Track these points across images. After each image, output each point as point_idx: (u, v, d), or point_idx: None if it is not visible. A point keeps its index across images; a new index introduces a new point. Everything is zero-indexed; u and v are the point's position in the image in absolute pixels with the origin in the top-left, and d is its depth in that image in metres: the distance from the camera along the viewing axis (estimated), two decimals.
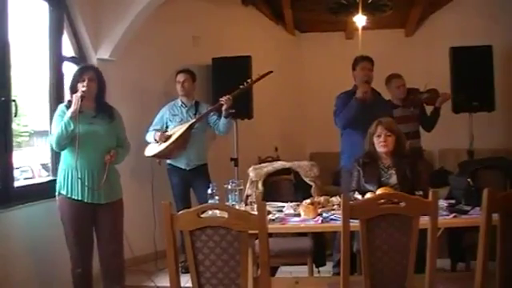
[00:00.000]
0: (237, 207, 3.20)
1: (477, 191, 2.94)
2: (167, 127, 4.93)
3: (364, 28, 5.71)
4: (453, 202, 3.33)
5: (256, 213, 2.48)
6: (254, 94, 5.70)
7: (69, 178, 3.53)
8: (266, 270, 2.50)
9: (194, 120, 4.83)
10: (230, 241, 2.41)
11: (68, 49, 4.49)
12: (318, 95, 6.56)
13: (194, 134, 4.84)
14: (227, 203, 3.30)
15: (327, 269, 4.27)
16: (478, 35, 6.05)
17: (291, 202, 3.45)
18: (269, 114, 6.50)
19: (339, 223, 2.56)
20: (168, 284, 2.52)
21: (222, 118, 4.86)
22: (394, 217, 2.48)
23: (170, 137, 4.77)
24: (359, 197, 3.37)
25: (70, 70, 4.50)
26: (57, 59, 4.28)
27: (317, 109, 6.56)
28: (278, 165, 4.28)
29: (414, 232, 2.45)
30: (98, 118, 3.64)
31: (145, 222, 4.83)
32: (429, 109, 5.24)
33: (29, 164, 5.31)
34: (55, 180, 4.17)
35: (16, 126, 4.03)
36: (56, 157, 4.23)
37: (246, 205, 3.48)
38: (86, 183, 3.51)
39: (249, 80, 4.84)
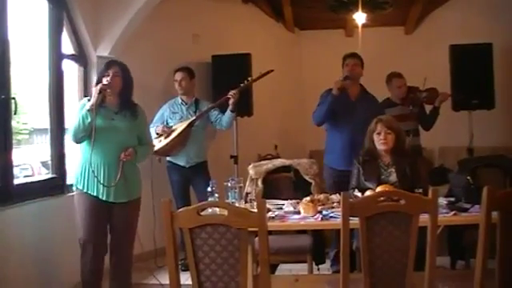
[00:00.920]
0: (236, 205, 3.20)
1: (476, 189, 2.94)
2: (167, 125, 4.93)
3: (364, 26, 5.70)
4: (452, 199, 3.34)
5: (256, 210, 2.48)
6: (253, 92, 5.70)
7: (85, 172, 3.51)
8: (265, 267, 2.50)
9: (194, 117, 4.83)
10: (229, 238, 2.41)
11: (68, 46, 4.49)
12: (318, 93, 6.51)
13: (194, 132, 4.84)
14: (227, 201, 3.30)
15: (327, 266, 4.28)
16: (478, 33, 6.05)
17: (291, 199, 3.46)
18: (268, 112, 6.50)
19: (339, 221, 2.56)
20: (168, 281, 2.52)
21: (228, 112, 4.86)
22: (393, 214, 2.48)
23: (171, 132, 4.78)
24: (359, 194, 3.37)
25: (69, 67, 4.51)
26: (56, 57, 4.27)
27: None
28: (278, 162, 4.28)
29: (414, 230, 2.45)
30: (120, 114, 3.60)
31: (144, 220, 4.81)
32: (428, 108, 5.23)
33: (28, 162, 5.32)
34: (55, 178, 4.20)
35: (16, 123, 4.03)
36: (57, 155, 4.24)
37: (246, 202, 3.48)
38: (101, 179, 3.47)
39: (249, 78, 4.84)
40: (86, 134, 3.46)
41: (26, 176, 4.92)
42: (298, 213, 3.20)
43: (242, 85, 4.76)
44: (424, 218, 2.48)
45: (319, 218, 3.08)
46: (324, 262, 4.08)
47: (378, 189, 3.24)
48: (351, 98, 4.52)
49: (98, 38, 4.69)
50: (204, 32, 6.06)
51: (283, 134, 6.89)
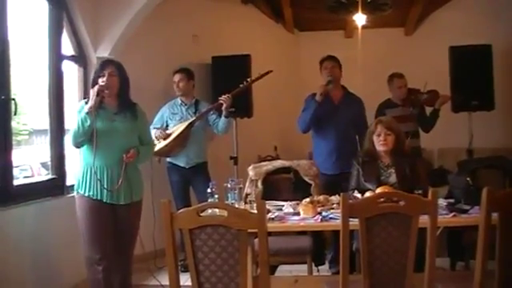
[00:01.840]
0: (236, 206, 3.20)
1: (476, 190, 2.94)
2: (167, 126, 4.94)
3: (364, 27, 5.71)
4: (452, 201, 3.33)
5: (255, 211, 2.48)
6: (253, 93, 5.70)
7: (87, 176, 3.43)
8: (265, 268, 2.50)
9: (193, 118, 4.83)
10: (229, 239, 2.41)
11: (67, 47, 4.49)
12: None
13: (194, 133, 4.84)
14: (227, 202, 3.30)
15: (326, 268, 4.28)
16: (478, 34, 6.05)
17: (291, 200, 3.45)
18: (268, 113, 6.50)
19: (338, 222, 2.56)
20: (167, 282, 2.52)
21: (222, 118, 4.86)
22: (393, 215, 2.48)
23: (169, 135, 4.78)
24: (359, 195, 3.37)
25: (69, 68, 4.51)
26: (56, 58, 4.27)
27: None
28: (278, 163, 4.28)
29: (414, 231, 2.45)
30: (119, 115, 3.51)
31: (144, 220, 4.81)
32: (428, 110, 5.23)
33: (28, 162, 5.32)
34: (55, 178, 4.20)
35: (15, 124, 4.02)
36: (56, 155, 4.24)
37: (246, 203, 3.48)
38: (104, 183, 3.40)
39: (248, 79, 4.84)
40: (86, 137, 3.38)
41: (25, 177, 4.92)
42: (298, 214, 3.20)
43: (241, 86, 4.76)
44: (424, 220, 2.48)
45: (319, 220, 3.07)
46: (324, 264, 4.09)
47: (378, 190, 3.24)
48: (334, 102, 4.54)
49: (98, 38, 4.69)
50: (204, 33, 6.07)
51: (283, 135, 6.88)
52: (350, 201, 2.59)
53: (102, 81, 3.42)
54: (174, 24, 5.69)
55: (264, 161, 4.74)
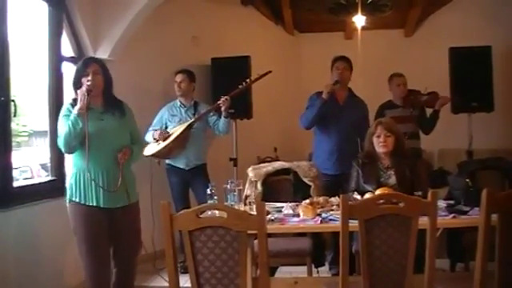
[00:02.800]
0: (236, 207, 3.20)
1: (476, 191, 2.94)
2: (166, 128, 4.93)
3: (363, 28, 5.72)
4: (452, 202, 3.34)
5: (255, 213, 2.48)
6: (253, 94, 5.71)
7: (81, 182, 3.27)
8: (265, 270, 2.50)
9: (192, 120, 4.83)
10: (229, 241, 2.41)
11: (67, 49, 4.49)
12: None
13: (193, 134, 4.84)
14: (226, 203, 3.30)
15: (326, 269, 4.28)
16: (478, 36, 6.06)
17: (290, 202, 3.45)
18: (268, 114, 6.50)
19: (338, 223, 2.56)
20: (167, 284, 2.52)
21: (222, 118, 4.86)
22: (393, 217, 2.48)
23: (169, 136, 4.77)
24: (358, 197, 3.37)
25: (69, 69, 4.51)
26: (56, 59, 4.27)
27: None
28: (277, 165, 4.27)
29: (413, 232, 2.45)
30: (107, 113, 3.38)
31: (143, 222, 4.81)
32: (429, 112, 5.23)
33: (28, 164, 5.32)
34: (55, 180, 4.20)
35: (15, 125, 4.02)
36: (56, 157, 4.24)
37: (245, 205, 3.47)
38: (101, 185, 3.25)
39: (248, 80, 4.84)
40: (78, 141, 3.22)
41: (25, 178, 4.92)
42: (298, 215, 3.20)
43: (240, 87, 4.76)
44: (423, 221, 2.48)
45: (318, 221, 3.08)
46: (323, 265, 4.08)
47: (378, 191, 3.24)
48: (339, 102, 4.54)
49: (98, 40, 4.69)
50: (203, 34, 6.07)
51: (283, 136, 6.88)
52: (350, 202, 2.59)
53: (87, 80, 3.26)
54: (174, 25, 5.69)
55: (264, 162, 4.74)
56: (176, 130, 4.79)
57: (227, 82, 4.99)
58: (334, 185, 4.16)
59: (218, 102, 4.76)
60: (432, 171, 5.71)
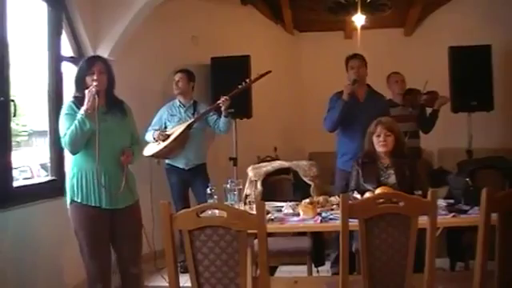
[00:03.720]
0: (236, 207, 3.20)
1: (475, 191, 2.94)
2: (166, 127, 4.93)
3: (363, 27, 5.72)
4: (452, 201, 3.34)
5: (255, 212, 2.48)
6: (253, 94, 5.71)
7: (83, 182, 3.23)
8: (264, 269, 2.50)
9: (192, 119, 4.83)
10: (228, 240, 2.41)
11: (67, 48, 4.48)
12: (317, 95, 6.52)
13: (193, 134, 4.84)
14: (226, 203, 3.30)
15: (326, 268, 4.27)
16: (477, 35, 6.06)
17: (290, 201, 3.45)
18: (268, 114, 6.50)
19: (338, 223, 2.56)
20: (167, 284, 2.52)
21: (222, 118, 4.86)
22: (393, 216, 2.48)
23: (168, 136, 4.77)
24: (358, 196, 3.37)
25: (68, 69, 4.50)
26: (56, 59, 4.27)
27: (316, 108, 6.54)
28: (277, 164, 4.28)
29: (413, 231, 2.45)
30: (109, 114, 3.33)
31: (143, 222, 4.82)
32: (428, 110, 5.23)
33: (28, 164, 5.31)
34: (54, 180, 4.19)
35: (15, 125, 4.01)
36: (56, 157, 4.24)
37: (245, 204, 3.48)
38: (97, 186, 3.21)
39: (247, 80, 4.84)
40: (84, 141, 3.18)
41: (25, 178, 4.92)
42: (298, 215, 3.20)
43: (240, 86, 4.76)
44: (423, 220, 2.48)
45: (318, 220, 3.08)
46: (323, 264, 4.08)
47: (378, 191, 3.24)
48: (359, 100, 4.50)
49: (97, 40, 4.69)
50: (203, 34, 6.07)
51: (282, 136, 6.89)
52: (350, 201, 2.59)
53: (92, 79, 3.22)
54: (174, 25, 5.69)
55: (263, 162, 4.74)
56: (175, 130, 4.79)
57: (227, 82, 4.99)
58: None
59: (218, 102, 4.76)
60: (432, 170, 5.72)
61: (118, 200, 3.31)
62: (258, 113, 5.93)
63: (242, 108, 5.43)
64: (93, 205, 3.25)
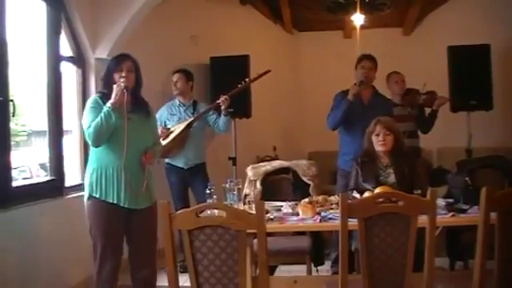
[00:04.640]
0: (235, 206, 3.20)
1: (475, 190, 2.94)
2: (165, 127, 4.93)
3: (362, 27, 5.73)
4: (451, 200, 3.34)
5: (254, 212, 2.48)
6: (252, 93, 5.70)
7: (102, 178, 3.21)
8: (264, 269, 2.50)
9: (192, 119, 4.84)
10: (228, 240, 2.41)
11: (66, 48, 4.48)
12: (317, 94, 6.57)
13: (192, 133, 4.84)
14: (225, 202, 3.30)
15: (326, 268, 4.28)
16: (476, 34, 6.06)
17: (289, 201, 3.45)
18: (267, 113, 6.51)
19: (337, 222, 2.56)
20: (166, 283, 2.52)
21: (222, 117, 4.87)
22: (392, 216, 2.48)
23: (170, 132, 4.78)
24: (357, 196, 3.37)
25: (67, 69, 4.50)
26: (55, 59, 4.27)
27: (315, 108, 6.55)
28: (277, 164, 4.28)
29: (413, 231, 2.45)
30: (134, 113, 3.31)
31: None
32: (427, 110, 5.23)
33: (27, 164, 5.30)
34: (53, 180, 4.19)
35: (14, 125, 4.01)
36: (55, 156, 4.24)
37: (245, 204, 3.48)
38: (122, 186, 3.20)
39: (247, 79, 4.84)
40: (108, 135, 3.18)
41: (24, 178, 4.90)
42: (297, 214, 3.20)
43: (239, 86, 4.76)
44: (422, 219, 2.48)
45: (318, 220, 3.08)
46: (323, 264, 4.08)
47: (377, 190, 3.24)
48: (364, 101, 4.51)
49: (96, 39, 4.69)
50: (202, 33, 6.07)
51: (282, 135, 6.89)
52: (349, 201, 2.59)
53: (119, 76, 3.22)
54: (173, 25, 5.69)
55: (263, 161, 4.75)
56: (175, 130, 4.80)
57: (226, 81, 4.99)
58: None
59: (218, 101, 4.76)
60: (431, 170, 5.72)
61: (137, 200, 3.29)
62: (258, 112, 5.93)
63: (241, 108, 5.43)
64: (111, 201, 3.22)
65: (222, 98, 4.73)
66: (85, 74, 4.69)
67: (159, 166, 5.00)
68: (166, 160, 4.99)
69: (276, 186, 4.17)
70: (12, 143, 3.72)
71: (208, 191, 3.33)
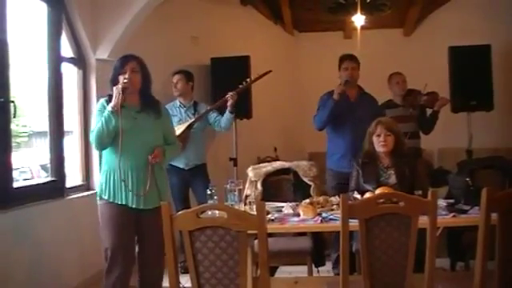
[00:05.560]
0: (236, 207, 3.20)
1: (476, 190, 2.94)
2: None
3: (362, 27, 5.72)
4: (452, 201, 3.34)
5: (255, 213, 2.48)
6: (253, 94, 5.71)
7: (111, 180, 3.23)
8: (265, 269, 2.50)
9: (192, 120, 4.84)
10: (229, 241, 2.42)
11: (67, 49, 4.49)
12: (317, 95, 6.52)
13: (193, 134, 4.85)
14: (226, 203, 3.30)
15: (326, 268, 4.27)
16: (477, 34, 6.07)
17: (290, 201, 3.45)
18: (268, 114, 6.51)
19: (338, 223, 2.56)
20: (167, 284, 2.52)
21: (227, 113, 4.87)
22: (393, 216, 2.48)
23: None
24: (358, 196, 3.37)
25: (68, 70, 4.51)
26: (55, 60, 4.27)
27: (315, 108, 6.59)
28: (277, 165, 4.27)
29: (413, 231, 2.45)
30: (143, 113, 3.31)
31: None
32: (428, 111, 5.23)
33: (28, 165, 5.30)
34: (54, 181, 4.19)
35: (15, 126, 4.01)
36: (56, 157, 4.24)
37: (245, 205, 3.48)
38: (130, 187, 3.20)
39: (248, 79, 4.84)
40: (110, 138, 3.19)
41: (25, 179, 4.91)
42: (298, 215, 3.20)
43: (240, 86, 4.77)
44: (423, 220, 2.48)
45: (319, 221, 3.08)
46: (324, 264, 4.08)
47: (378, 191, 3.24)
48: (350, 100, 4.53)
49: (97, 40, 4.69)
50: (203, 34, 6.07)
51: (282, 136, 6.89)
52: (350, 202, 2.59)
53: (123, 78, 3.21)
54: (173, 25, 5.69)
55: (263, 162, 4.74)
56: (176, 131, 4.80)
57: (227, 82, 5.00)
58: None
59: (226, 97, 4.78)
60: (432, 170, 5.72)
61: (146, 201, 3.26)
62: (258, 113, 5.94)
63: (242, 108, 5.42)
64: (119, 203, 3.23)
65: (231, 94, 4.74)
66: (86, 74, 4.69)
67: None
68: None
69: (277, 187, 4.17)
70: (13, 144, 3.72)
71: (209, 192, 3.33)
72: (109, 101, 3.25)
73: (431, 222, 2.47)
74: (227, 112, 4.87)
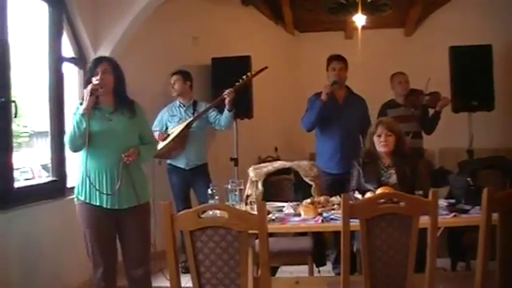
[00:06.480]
0: (237, 207, 3.20)
1: (476, 190, 2.95)
2: (167, 128, 4.95)
3: (363, 28, 5.72)
4: (453, 201, 3.34)
5: (256, 213, 2.48)
6: (253, 94, 5.71)
7: (86, 182, 3.23)
8: (266, 269, 2.50)
9: (191, 118, 4.84)
10: (230, 241, 2.42)
11: (67, 49, 4.49)
12: None
13: (193, 134, 4.85)
14: (227, 203, 3.30)
15: (327, 268, 4.28)
16: (478, 34, 6.06)
17: (291, 201, 3.45)
18: (269, 114, 6.50)
19: (339, 223, 2.56)
20: (168, 284, 2.52)
21: (225, 111, 4.87)
22: (393, 216, 2.48)
23: (168, 135, 4.79)
24: (359, 196, 3.37)
25: (69, 70, 4.51)
26: (56, 60, 4.27)
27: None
28: (278, 164, 4.27)
29: (414, 231, 2.46)
30: (116, 113, 3.31)
31: None
32: (431, 111, 5.23)
33: (29, 165, 5.31)
34: (55, 181, 4.20)
35: (16, 126, 4.02)
36: (57, 157, 4.24)
37: (246, 205, 3.49)
38: (103, 188, 3.21)
39: (244, 76, 4.82)
40: (83, 140, 3.18)
41: (26, 179, 4.92)
42: (299, 215, 3.20)
43: (237, 83, 4.77)
44: (424, 220, 2.48)
45: (319, 220, 3.08)
46: (325, 264, 4.08)
47: (378, 191, 3.24)
48: (338, 101, 4.54)
49: (98, 40, 4.69)
50: (204, 34, 6.07)
51: (283, 136, 6.89)
52: (351, 202, 2.59)
53: (95, 79, 3.23)
54: (174, 26, 5.69)
55: (264, 162, 4.74)
56: (175, 130, 4.81)
57: (227, 82, 4.99)
58: (339, 184, 4.16)
59: (224, 94, 4.77)
60: (433, 170, 5.71)
61: (120, 200, 3.27)
62: (259, 113, 5.93)
63: (242, 108, 5.43)
64: (94, 203, 3.25)
65: (228, 91, 4.74)
66: (86, 74, 4.69)
67: (161, 166, 5.01)
68: (168, 161, 5.00)
69: (278, 187, 4.17)
70: (14, 144, 3.72)
71: (210, 192, 3.33)
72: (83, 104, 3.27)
73: (432, 222, 2.47)
74: (225, 110, 4.87)
